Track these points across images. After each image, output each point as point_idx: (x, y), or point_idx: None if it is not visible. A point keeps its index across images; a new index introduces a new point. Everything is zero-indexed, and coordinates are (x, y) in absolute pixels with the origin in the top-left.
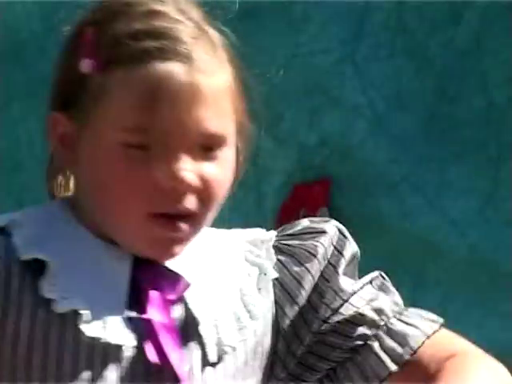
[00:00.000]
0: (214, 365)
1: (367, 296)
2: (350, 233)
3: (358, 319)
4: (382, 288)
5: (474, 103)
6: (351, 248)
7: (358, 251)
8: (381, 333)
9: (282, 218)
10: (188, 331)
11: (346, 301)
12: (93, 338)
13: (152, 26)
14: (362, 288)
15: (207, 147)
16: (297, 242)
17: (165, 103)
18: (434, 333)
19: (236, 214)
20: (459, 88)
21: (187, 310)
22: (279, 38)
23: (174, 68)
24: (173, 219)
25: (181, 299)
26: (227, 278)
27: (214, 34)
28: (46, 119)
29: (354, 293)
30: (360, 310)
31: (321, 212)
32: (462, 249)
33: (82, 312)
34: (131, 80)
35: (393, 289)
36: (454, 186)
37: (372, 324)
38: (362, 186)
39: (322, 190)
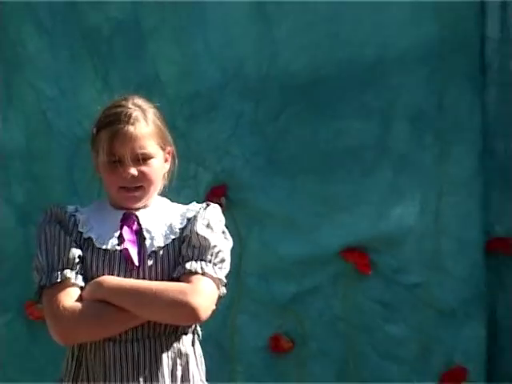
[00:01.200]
0: (151, 255)
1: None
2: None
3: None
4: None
5: None
6: (213, 216)
7: (222, 220)
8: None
9: (208, 199)
10: (141, 239)
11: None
12: (102, 248)
13: (115, 111)
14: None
15: (142, 159)
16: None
17: (118, 142)
18: (195, 273)
19: (184, 195)
20: None
21: (141, 229)
22: None
23: (123, 126)
24: (129, 189)
25: (140, 226)
26: (167, 218)
27: (149, 111)
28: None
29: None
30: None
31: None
32: None
33: (96, 241)
34: (105, 134)
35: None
36: None
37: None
38: None
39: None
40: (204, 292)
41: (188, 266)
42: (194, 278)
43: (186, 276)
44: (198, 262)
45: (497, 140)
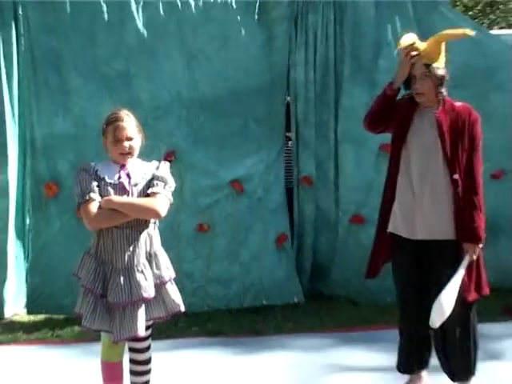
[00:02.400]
0: (133, 186)
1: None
2: None
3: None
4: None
5: None
6: (165, 167)
7: (168, 169)
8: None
9: (165, 159)
10: (129, 178)
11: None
12: (109, 182)
13: (115, 115)
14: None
15: (130, 138)
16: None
17: (118, 130)
18: (157, 193)
19: (152, 157)
20: None
21: (129, 173)
22: None
23: (120, 122)
24: (123, 154)
25: (128, 172)
26: (141, 168)
27: (131, 115)
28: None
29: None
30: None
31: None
32: None
33: (106, 178)
34: (111, 127)
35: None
36: None
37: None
38: None
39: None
40: (162, 202)
41: (154, 189)
42: (157, 195)
43: (152, 194)
44: (158, 188)
45: None
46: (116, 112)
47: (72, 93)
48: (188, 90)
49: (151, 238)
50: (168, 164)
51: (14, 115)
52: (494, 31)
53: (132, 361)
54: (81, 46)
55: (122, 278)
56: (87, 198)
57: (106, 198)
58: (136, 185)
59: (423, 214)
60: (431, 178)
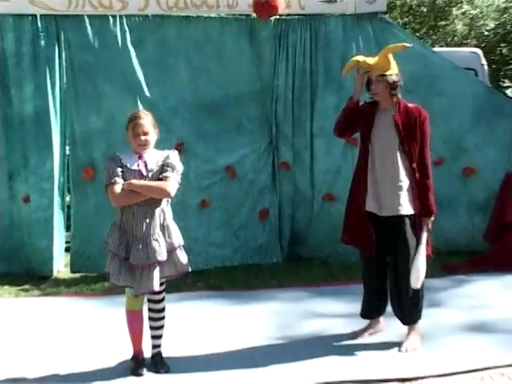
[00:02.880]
0: (149, 171)
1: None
2: None
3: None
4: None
5: None
6: (175, 155)
7: (178, 156)
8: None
9: (175, 149)
10: (146, 166)
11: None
12: (131, 168)
13: (135, 114)
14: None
15: (146, 133)
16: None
17: (137, 126)
18: (168, 177)
19: (166, 147)
20: None
21: (145, 162)
22: None
23: (138, 121)
24: (141, 145)
25: (145, 160)
26: (156, 156)
27: (148, 114)
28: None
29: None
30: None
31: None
32: None
33: (128, 165)
34: (132, 124)
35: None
36: None
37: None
38: None
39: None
40: (172, 184)
41: (165, 174)
42: (168, 179)
43: (164, 178)
44: (169, 173)
45: None
46: (136, 112)
47: (103, 97)
48: (192, 95)
49: (164, 212)
50: (177, 152)
51: (56, 115)
52: (436, 48)
53: (150, 309)
54: (110, 60)
55: (140, 245)
56: (113, 181)
57: (127, 181)
58: (151, 171)
59: (386, 197)
60: (390, 167)
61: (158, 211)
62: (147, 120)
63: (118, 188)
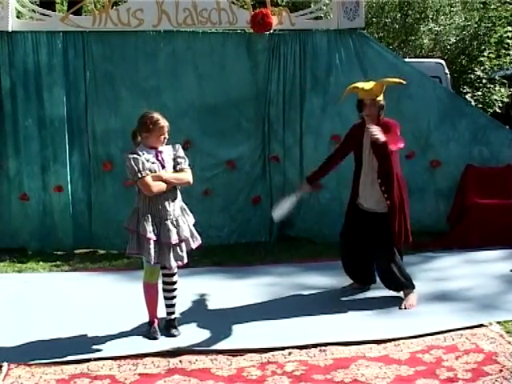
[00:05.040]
0: (166, 163)
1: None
2: None
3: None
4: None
5: None
6: (181, 150)
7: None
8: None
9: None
10: (163, 159)
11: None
12: (152, 161)
13: (159, 119)
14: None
15: (166, 132)
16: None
17: (162, 128)
18: (185, 168)
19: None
20: None
21: (162, 156)
22: None
23: (162, 123)
24: (162, 142)
25: (162, 154)
26: (169, 151)
27: (164, 118)
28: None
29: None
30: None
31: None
32: None
33: (150, 159)
34: (157, 126)
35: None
36: None
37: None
38: None
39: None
40: (190, 174)
41: (181, 166)
42: (185, 169)
43: (181, 170)
44: (184, 165)
45: None
46: (156, 114)
47: (121, 101)
48: (198, 99)
49: (179, 197)
50: (180, 146)
51: (81, 117)
52: (406, 59)
53: (165, 282)
54: (127, 69)
55: (170, 226)
56: (144, 174)
57: (156, 173)
58: (168, 162)
59: (367, 196)
60: (371, 173)
61: (178, 196)
62: (166, 122)
63: (150, 180)
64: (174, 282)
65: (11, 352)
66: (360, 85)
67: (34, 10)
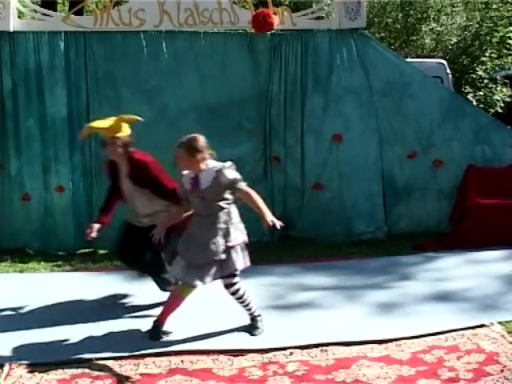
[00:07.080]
0: (202, 186)
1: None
2: None
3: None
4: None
5: None
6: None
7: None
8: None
9: None
10: (199, 182)
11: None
12: (188, 189)
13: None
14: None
15: None
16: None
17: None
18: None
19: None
20: None
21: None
22: None
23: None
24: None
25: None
26: (212, 169)
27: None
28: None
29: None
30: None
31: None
32: None
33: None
34: (203, 151)
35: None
36: None
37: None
38: None
39: None
40: (248, 188)
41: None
42: (242, 188)
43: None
44: (240, 187)
45: None
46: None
47: (122, 101)
48: (200, 99)
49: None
50: (229, 164)
51: (82, 116)
52: (408, 59)
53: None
54: (128, 69)
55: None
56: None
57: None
58: (202, 191)
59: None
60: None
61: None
62: None
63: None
64: (235, 292)
65: (12, 352)
66: (96, 124)
67: (35, 10)
